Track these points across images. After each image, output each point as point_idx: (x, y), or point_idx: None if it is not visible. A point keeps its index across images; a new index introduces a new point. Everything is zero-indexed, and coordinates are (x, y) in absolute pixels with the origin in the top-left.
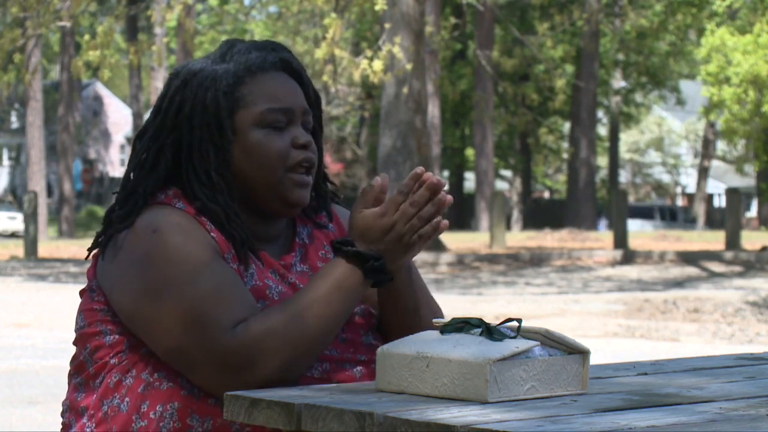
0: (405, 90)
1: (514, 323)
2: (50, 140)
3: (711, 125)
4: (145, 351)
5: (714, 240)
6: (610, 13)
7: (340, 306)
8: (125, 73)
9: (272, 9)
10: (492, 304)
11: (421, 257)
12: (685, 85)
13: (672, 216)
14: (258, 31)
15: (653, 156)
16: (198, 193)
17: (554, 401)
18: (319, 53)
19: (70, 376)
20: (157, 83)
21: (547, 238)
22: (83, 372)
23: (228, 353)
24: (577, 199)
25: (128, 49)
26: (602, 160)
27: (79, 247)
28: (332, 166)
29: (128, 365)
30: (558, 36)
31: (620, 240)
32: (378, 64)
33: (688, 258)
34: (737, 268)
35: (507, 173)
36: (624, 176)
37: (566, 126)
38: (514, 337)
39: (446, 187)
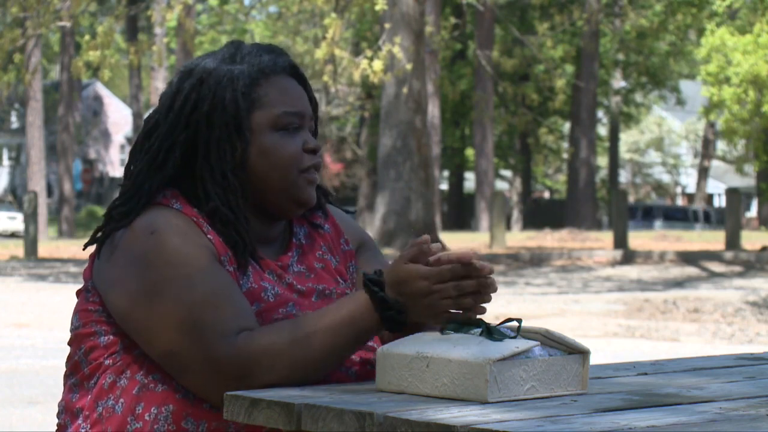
0: (405, 90)
1: (514, 323)
2: (50, 140)
3: (711, 125)
4: (140, 352)
5: (714, 240)
6: (610, 13)
7: (348, 341)
8: (125, 73)
9: (272, 9)
10: (492, 304)
11: None
12: (685, 85)
13: (706, 218)
14: (258, 31)
15: (653, 156)
16: (211, 192)
17: (554, 401)
18: (319, 53)
19: (66, 376)
20: (157, 83)
21: (547, 238)
22: (78, 373)
23: (224, 361)
24: (577, 199)
25: (128, 49)
26: (602, 160)
27: (79, 247)
28: (332, 166)
29: (123, 366)
30: (558, 36)
31: (620, 240)
32: (378, 64)
33: (688, 258)
34: (737, 268)
35: (507, 173)
36: (624, 176)
37: (566, 126)
38: (514, 337)
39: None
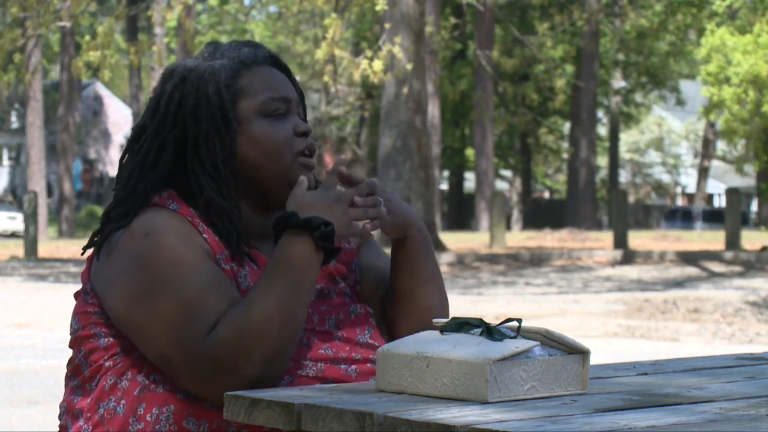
0: (405, 90)
1: (514, 323)
2: (50, 140)
3: (711, 125)
4: (139, 354)
5: (714, 240)
6: (610, 13)
7: (299, 284)
8: (125, 73)
9: (272, 9)
10: (492, 304)
11: None
12: (685, 85)
13: (744, 220)
14: (258, 31)
15: (653, 156)
16: (204, 185)
17: (554, 401)
18: (319, 53)
19: (67, 378)
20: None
21: (547, 238)
22: (79, 375)
23: (207, 361)
24: (577, 199)
25: (128, 49)
26: (602, 160)
27: (79, 247)
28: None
29: (123, 368)
30: (558, 36)
31: (620, 240)
32: (378, 64)
33: (688, 258)
34: (737, 268)
35: (507, 173)
36: (624, 176)
37: (566, 126)
38: (514, 337)
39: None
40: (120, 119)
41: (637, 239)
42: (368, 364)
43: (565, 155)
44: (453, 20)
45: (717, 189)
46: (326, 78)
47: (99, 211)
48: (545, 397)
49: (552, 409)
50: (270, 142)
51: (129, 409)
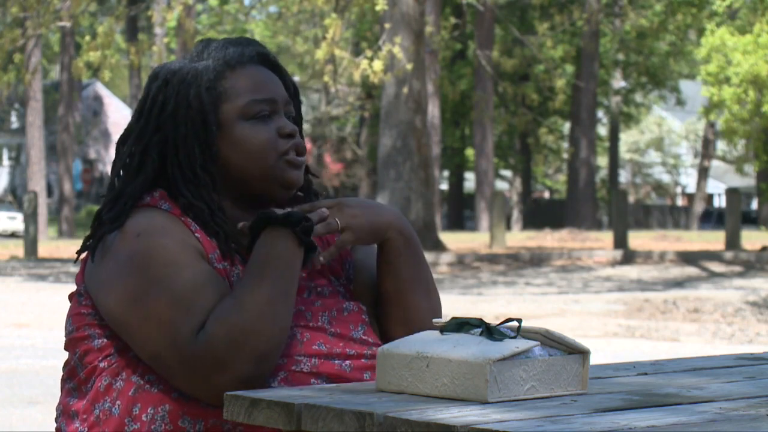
0: (405, 90)
1: (514, 323)
2: (50, 140)
3: (711, 125)
4: (134, 354)
5: (714, 240)
6: (610, 13)
7: (286, 278)
8: (125, 73)
9: (272, 9)
10: (492, 304)
11: None
12: (685, 85)
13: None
14: (258, 31)
15: (653, 156)
16: (182, 189)
17: (554, 401)
18: (319, 53)
19: (63, 380)
20: None
21: (547, 238)
22: (75, 377)
23: (197, 361)
24: (577, 199)
25: (128, 50)
26: (602, 160)
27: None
28: (332, 166)
29: (118, 368)
30: (558, 36)
31: (620, 240)
32: (378, 64)
33: (688, 258)
34: (737, 268)
35: (507, 173)
36: (624, 176)
37: (566, 126)
38: (514, 337)
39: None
40: (120, 119)
41: (637, 239)
42: (362, 360)
43: (565, 155)
44: (453, 20)
45: (717, 189)
46: (326, 78)
47: None
48: (545, 397)
49: (552, 409)
50: (251, 145)
51: (124, 410)
